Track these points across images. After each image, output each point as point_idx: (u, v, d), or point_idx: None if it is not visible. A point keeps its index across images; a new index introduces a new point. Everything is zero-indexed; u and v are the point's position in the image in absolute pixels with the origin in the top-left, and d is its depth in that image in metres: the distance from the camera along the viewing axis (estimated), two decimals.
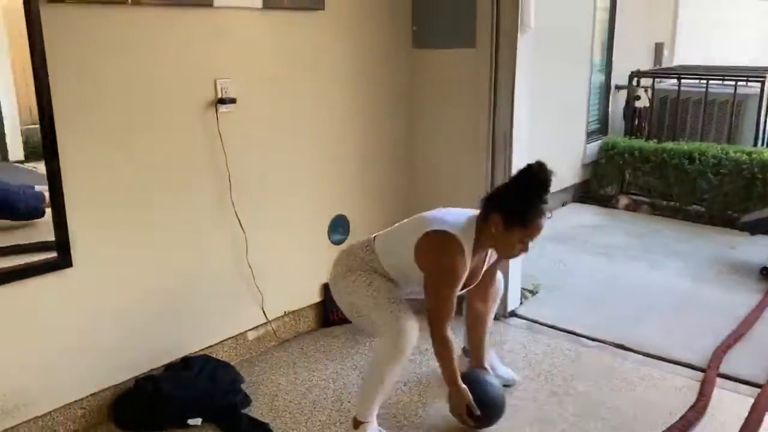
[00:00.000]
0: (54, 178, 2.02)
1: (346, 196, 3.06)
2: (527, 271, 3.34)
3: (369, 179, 3.14)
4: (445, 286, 2.02)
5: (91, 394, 2.26)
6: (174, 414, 2.26)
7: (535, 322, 3.12)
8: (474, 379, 2.24)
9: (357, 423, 2.12)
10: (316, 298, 3.03)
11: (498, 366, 2.55)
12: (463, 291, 2.20)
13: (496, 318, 2.85)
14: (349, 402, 2.43)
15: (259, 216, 2.65)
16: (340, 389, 2.53)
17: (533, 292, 3.44)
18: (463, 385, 2.13)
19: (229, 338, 2.71)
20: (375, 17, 2.98)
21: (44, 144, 1.99)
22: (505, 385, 2.47)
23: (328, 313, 3.07)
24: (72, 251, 2.10)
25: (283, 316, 2.91)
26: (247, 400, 2.41)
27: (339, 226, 3.07)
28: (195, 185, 2.44)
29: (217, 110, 2.43)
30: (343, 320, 2.91)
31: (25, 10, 1.88)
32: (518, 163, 2.85)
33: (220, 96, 2.43)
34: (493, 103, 2.93)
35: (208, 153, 2.45)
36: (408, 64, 3.15)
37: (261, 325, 2.81)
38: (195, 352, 2.56)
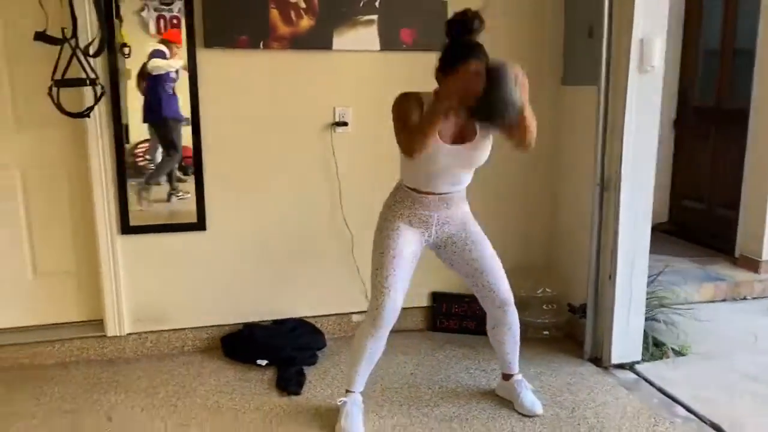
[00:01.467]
0: (199, 175, 2.98)
1: (476, 215, 3.35)
2: (690, 328, 3.10)
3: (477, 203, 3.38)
4: (396, 120, 2.25)
5: (211, 326, 3.15)
6: (255, 354, 2.99)
7: (658, 388, 2.78)
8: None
9: (346, 391, 2.52)
10: (424, 302, 3.42)
11: (522, 391, 2.60)
12: (463, 145, 2.27)
13: (596, 362, 2.83)
14: (395, 400, 2.71)
15: (364, 220, 3.19)
16: (403, 384, 2.82)
17: (679, 353, 3.14)
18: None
19: (335, 314, 3.31)
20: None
21: (194, 140, 2.95)
22: (523, 414, 2.54)
23: (435, 320, 3.42)
24: (206, 220, 3.03)
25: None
26: (311, 361, 2.99)
27: None
28: (311, 187, 3.12)
29: (332, 131, 3.09)
30: (452, 329, 3.24)
31: (188, 55, 2.87)
32: (628, 201, 2.81)
33: (336, 120, 3.09)
34: (602, 140, 2.91)
35: (323, 164, 3.12)
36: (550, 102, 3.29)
37: (365, 312, 3.33)
38: (305, 317, 3.24)
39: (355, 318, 3.34)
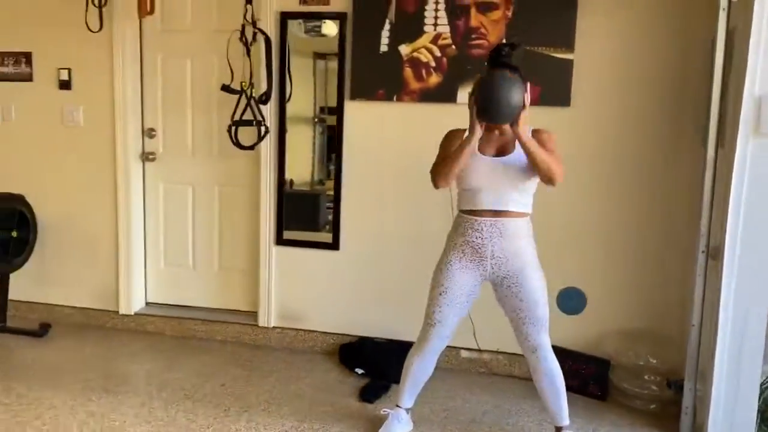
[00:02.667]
0: (337, 204, 3.56)
1: (585, 272, 3.34)
2: None
3: (611, 264, 3.29)
4: (440, 148, 2.59)
5: (337, 333, 3.66)
6: (357, 363, 3.42)
7: None
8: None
9: (396, 406, 2.79)
10: None
11: None
12: (500, 158, 2.49)
13: None
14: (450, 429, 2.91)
15: None
16: (470, 419, 2.91)
17: None
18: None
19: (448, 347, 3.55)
20: (629, 113, 3.19)
21: (335, 174, 3.55)
22: None
23: None
24: (340, 242, 3.59)
25: (497, 353, 3.50)
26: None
27: (571, 298, 3.37)
28: (431, 224, 3.40)
29: None
30: (569, 387, 3.22)
31: (337, 104, 3.49)
32: (735, 272, 2.61)
33: None
34: (710, 204, 2.70)
35: (443, 203, 3.42)
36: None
37: (474, 349, 3.52)
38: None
39: (463, 354, 3.54)
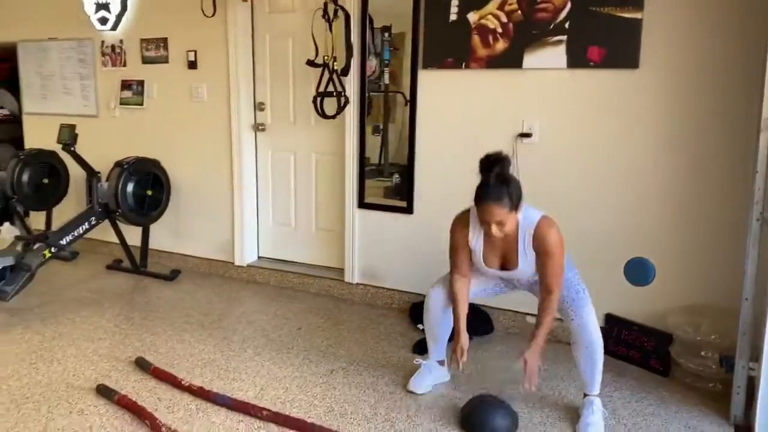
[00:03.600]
0: (411, 170, 3.74)
1: (656, 241, 3.19)
2: None
3: (679, 234, 3.11)
4: (450, 247, 2.72)
5: (411, 292, 3.87)
6: (420, 319, 3.60)
7: None
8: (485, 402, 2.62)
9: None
10: (599, 323, 3.37)
11: (587, 415, 2.59)
12: (508, 272, 2.63)
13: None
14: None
15: None
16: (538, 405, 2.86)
17: None
18: (465, 333, 2.65)
19: (511, 310, 3.62)
20: (700, 75, 2.96)
21: (409, 142, 3.73)
22: None
23: (610, 345, 3.33)
24: (413, 207, 3.78)
25: (560, 320, 3.48)
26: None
27: (639, 269, 3.24)
28: None
29: (516, 141, 3.42)
30: (618, 355, 3.22)
31: (411, 74, 3.66)
32: None
33: (522, 131, 3.40)
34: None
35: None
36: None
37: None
38: (483, 306, 3.67)
39: (528, 319, 3.57)
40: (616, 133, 3.23)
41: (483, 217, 2.46)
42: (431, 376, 2.91)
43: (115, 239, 4.56)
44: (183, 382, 2.82)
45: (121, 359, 3.11)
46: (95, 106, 4.98)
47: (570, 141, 3.34)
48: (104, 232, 4.60)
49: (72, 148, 4.21)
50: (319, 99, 3.76)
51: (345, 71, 3.73)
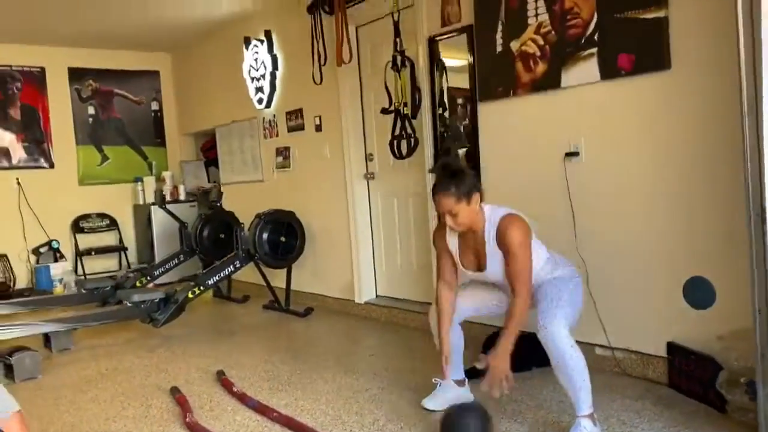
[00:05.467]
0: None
1: (712, 259, 2.82)
2: None
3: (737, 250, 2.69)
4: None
5: (488, 324, 3.83)
6: None
7: None
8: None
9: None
10: (661, 352, 3.02)
11: None
12: (481, 275, 2.66)
13: None
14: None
15: (600, 253, 3.19)
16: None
17: None
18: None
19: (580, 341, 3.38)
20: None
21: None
22: None
23: (674, 376, 2.96)
24: None
25: (629, 352, 3.17)
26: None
27: (698, 289, 2.86)
28: (547, 211, 3.40)
29: (565, 162, 3.32)
30: (693, 394, 2.85)
31: (471, 108, 3.79)
32: None
33: (569, 150, 3.30)
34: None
35: (557, 191, 3.36)
36: None
37: (607, 347, 3.26)
38: None
39: (598, 351, 3.31)
40: (659, 143, 2.97)
41: (437, 209, 2.57)
42: (447, 395, 2.91)
43: (280, 284, 5.26)
44: (234, 389, 3.27)
45: (210, 372, 3.68)
46: (261, 172, 5.93)
47: (615, 157, 3.15)
48: (275, 278, 5.35)
49: (218, 204, 5.10)
50: (395, 142, 4.08)
51: (413, 115, 4.01)
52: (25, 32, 6.13)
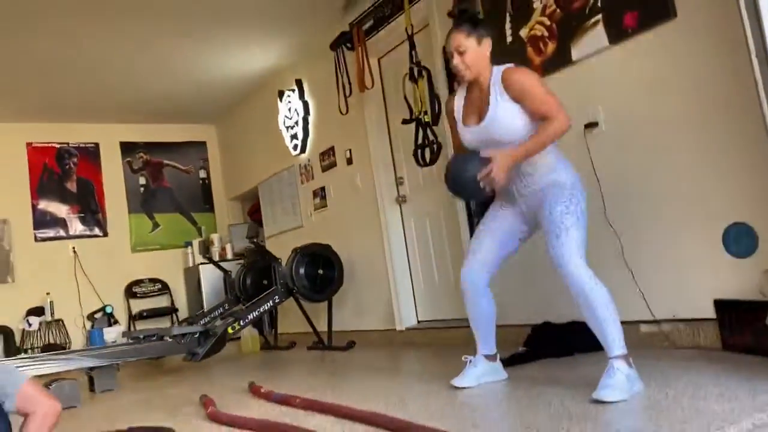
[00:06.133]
0: None
1: (750, 202, 2.63)
2: None
3: None
4: None
5: (528, 324, 3.64)
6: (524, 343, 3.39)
7: None
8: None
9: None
10: (709, 313, 2.77)
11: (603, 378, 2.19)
12: (482, 127, 2.51)
13: None
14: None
15: (631, 220, 3.04)
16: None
17: None
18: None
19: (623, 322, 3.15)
20: None
21: None
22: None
23: (726, 337, 2.70)
24: None
25: (676, 321, 2.93)
26: (555, 353, 3.12)
27: (739, 236, 2.66)
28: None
29: (586, 134, 3.23)
30: (748, 348, 2.60)
31: None
32: None
33: (588, 121, 3.22)
34: None
35: (581, 164, 3.22)
36: None
37: (652, 321, 3.02)
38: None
39: (643, 328, 3.08)
40: (676, 94, 2.88)
41: (448, 48, 2.53)
42: (476, 369, 2.73)
43: (325, 328, 5.17)
44: (262, 390, 3.17)
45: (243, 387, 3.59)
46: (300, 217, 6.01)
47: (635, 118, 3.06)
48: (319, 321, 5.29)
49: (254, 240, 5.16)
50: (418, 151, 4.09)
51: (434, 121, 4.03)
52: (81, 112, 6.63)
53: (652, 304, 2.98)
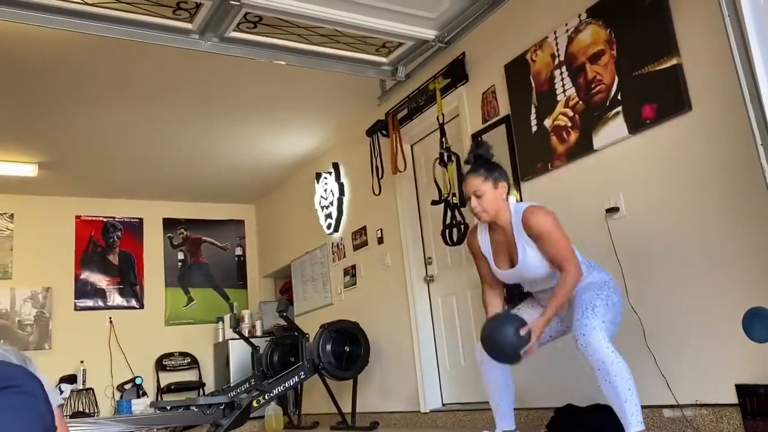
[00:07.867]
0: None
1: (766, 286, 2.68)
2: None
3: None
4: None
5: (551, 407, 3.62)
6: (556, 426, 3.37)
7: None
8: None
9: None
10: (732, 398, 2.76)
11: None
12: (515, 271, 2.69)
13: None
14: None
15: (654, 305, 3.09)
16: None
17: None
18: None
19: (645, 406, 3.13)
20: None
21: None
22: None
23: (748, 423, 2.68)
24: None
25: (698, 406, 2.91)
26: None
27: (757, 320, 2.68)
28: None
29: (607, 219, 3.34)
30: None
31: (517, 188, 3.94)
32: None
33: (609, 206, 3.34)
34: None
35: (603, 249, 3.33)
36: None
37: (675, 406, 3.00)
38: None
39: (666, 414, 3.06)
40: (693, 180, 2.99)
41: (465, 192, 2.67)
42: None
43: (349, 408, 5.17)
44: None
45: None
46: (330, 295, 6.13)
47: (655, 204, 3.16)
48: (344, 402, 5.29)
49: (285, 314, 5.27)
50: (446, 231, 4.24)
51: (462, 203, 4.19)
52: (130, 189, 7.02)
53: (675, 389, 2.98)
